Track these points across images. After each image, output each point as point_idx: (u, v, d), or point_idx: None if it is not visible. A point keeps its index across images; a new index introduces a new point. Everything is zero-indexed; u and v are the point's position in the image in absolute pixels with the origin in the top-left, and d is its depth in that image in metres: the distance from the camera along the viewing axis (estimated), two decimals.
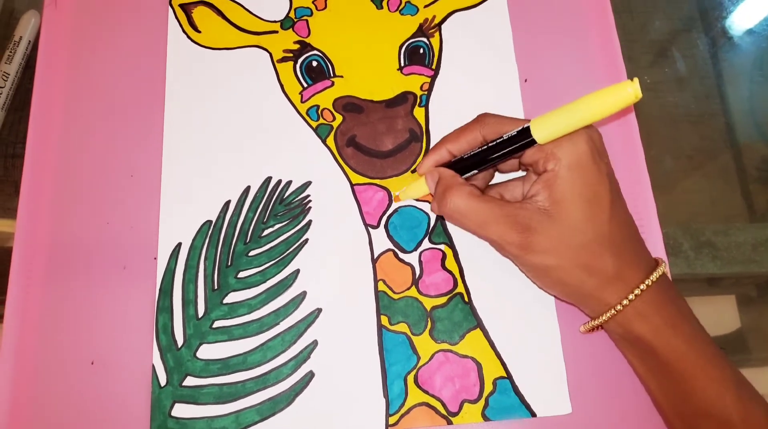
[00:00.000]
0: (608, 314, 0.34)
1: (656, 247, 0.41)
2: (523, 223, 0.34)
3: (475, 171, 0.37)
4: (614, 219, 0.34)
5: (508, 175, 0.40)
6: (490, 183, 0.40)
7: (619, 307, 0.33)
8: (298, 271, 0.40)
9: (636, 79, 0.30)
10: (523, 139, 0.34)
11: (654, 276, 0.34)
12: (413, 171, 0.42)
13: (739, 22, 0.53)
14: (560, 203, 0.33)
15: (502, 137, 0.35)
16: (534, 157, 0.34)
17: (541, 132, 0.33)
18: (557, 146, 0.33)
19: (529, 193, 0.35)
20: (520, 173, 0.40)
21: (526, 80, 0.45)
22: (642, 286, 0.33)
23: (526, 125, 0.34)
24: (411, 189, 0.41)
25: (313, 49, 0.45)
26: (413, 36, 0.45)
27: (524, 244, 0.34)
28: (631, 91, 0.30)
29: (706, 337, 0.34)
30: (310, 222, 0.41)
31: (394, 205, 0.41)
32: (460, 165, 0.37)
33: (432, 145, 0.42)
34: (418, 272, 0.40)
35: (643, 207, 0.42)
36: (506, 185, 0.39)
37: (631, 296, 0.33)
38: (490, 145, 0.36)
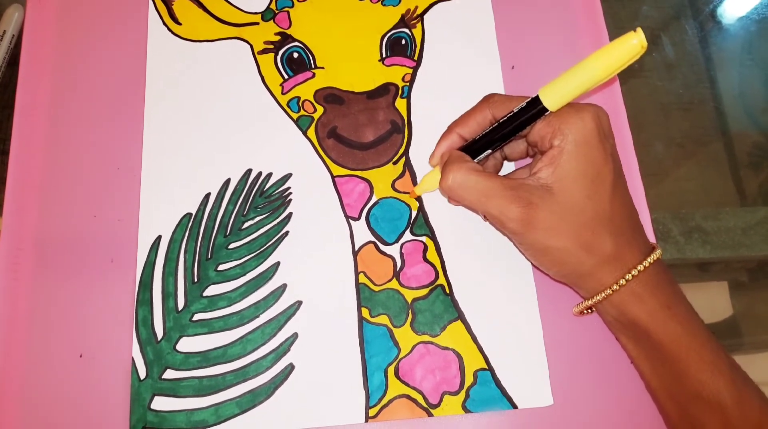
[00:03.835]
0: (604, 294, 0.34)
1: (645, 233, 0.41)
2: (524, 198, 0.33)
3: (489, 151, 0.37)
4: (615, 199, 0.34)
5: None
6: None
7: (615, 286, 0.33)
8: (278, 263, 0.40)
9: (639, 29, 0.29)
10: (534, 108, 0.33)
11: (651, 258, 0.34)
12: (395, 163, 0.42)
13: (728, 6, 0.52)
14: (563, 180, 0.33)
15: (512, 112, 0.35)
16: (541, 133, 0.34)
17: (550, 98, 0.33)
18: (564, 122, 0.33)
19: (533, 170, 0.34)
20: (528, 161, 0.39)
21: (513, 67, 0.44)
22: (639, 268, 0.33)
23: (534, 95, 0.33)
24: (426, 182, 0.40)
25: (294, 40, 0.44)
26: (395, 27, 0.45)
27: (525, 219, 0.33)
28: (636, 42, 0.29)
29: (699, 321, 0.34)
30: (290, 214, 0.41)
31: (375, 197, 0.41)
32: (473, 148, 0.37)
33: (413, 136, 0.42)
34: (399, 264, 0.40)
35: (631, 193, 0.41)
36: (512, 175, 0.39)
37: (628, 276, 0.33)
38: (500, 121, 0.35)
